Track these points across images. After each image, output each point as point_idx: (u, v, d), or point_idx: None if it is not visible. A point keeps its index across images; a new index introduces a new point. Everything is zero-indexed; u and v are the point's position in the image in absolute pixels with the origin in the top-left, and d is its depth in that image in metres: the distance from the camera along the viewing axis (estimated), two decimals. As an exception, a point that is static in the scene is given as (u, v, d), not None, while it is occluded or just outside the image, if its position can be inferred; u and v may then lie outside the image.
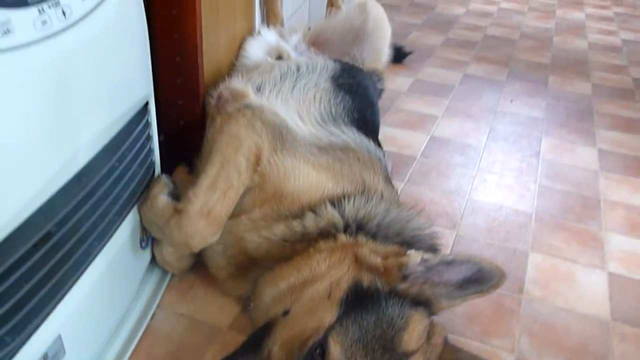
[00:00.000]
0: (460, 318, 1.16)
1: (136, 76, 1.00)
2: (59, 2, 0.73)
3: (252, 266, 1.07)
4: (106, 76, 0.88)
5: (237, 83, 1.32)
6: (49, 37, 0.71)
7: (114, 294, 1.02)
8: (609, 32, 3.33)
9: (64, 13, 0.74)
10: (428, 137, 1.90)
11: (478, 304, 1.20)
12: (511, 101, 2.24)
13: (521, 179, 1.70)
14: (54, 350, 0.82)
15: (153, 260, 1.17)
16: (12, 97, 0.66)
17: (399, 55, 2.54)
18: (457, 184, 1.65)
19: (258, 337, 0.89)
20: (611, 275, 1.33)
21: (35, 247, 0.75)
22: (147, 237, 1.10)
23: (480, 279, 0.92)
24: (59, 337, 0.83)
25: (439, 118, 2.05)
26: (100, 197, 0.90)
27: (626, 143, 1.98)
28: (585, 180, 1.73)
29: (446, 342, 0.94)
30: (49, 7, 0.71)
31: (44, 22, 0.70)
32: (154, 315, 1.12)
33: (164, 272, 1.20)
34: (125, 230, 1.02)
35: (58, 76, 0.74)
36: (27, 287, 0.74)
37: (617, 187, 1.70)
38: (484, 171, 1.73)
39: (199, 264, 1.19)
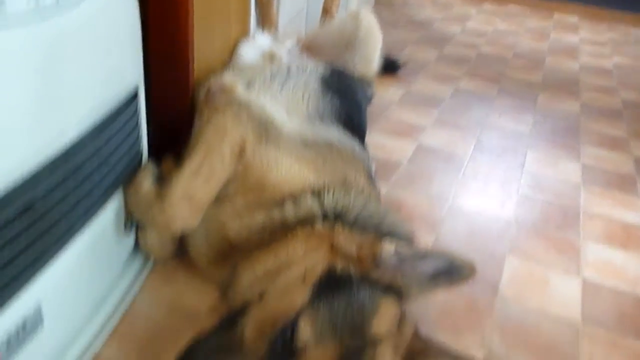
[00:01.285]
0: (432, 314, 1.19)
1: (127, 63, 1.04)
2: (53, -18, 0.77)
3: (232, 253, 1.10)
4: (97, 60, 0.91)
5: (226, 78, 1.36)
6: (42, 19, 0.75)
7: (96, 272, 1.04)
8: (602, 56, 3.39)
9: (57, -7, 0.78)
10: (415, 145, 1.94)
11: (451, 301, 1.23)
12: (499, 116, 2.28)
13: (504, 188, 1.74)
14: (33, 320, 0.85)
15: (137, 246, 1.20)
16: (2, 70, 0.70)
17: (392, 67, 2.59)
18: (440, 190, 1.68)
19: (233, 318, 0.92)
20: (585, 281, 1.36)
21: (20, 216, 0.78)
22: (132, 223, 1.13)
23: (450, 272, 0.96)
24: (39, 308, 0.86)
25: (428, 128, 2.09)
26: (85, 177, 0.94)
27: (610, 160, 2.02)
28: (567, 192, 1.76)
29: (416, 332, 0.97)
30: (43, -16, 0.75)
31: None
32: (135, 298, 1.15)
33: (148, 258, 1.23)
34: (110, 212, 1.05)
35: (48, 55, 0.77)
36: (8, 253, 0.77)
37: (598, 200, 1.74)
38: (467, 179, 1.77)
39: (182, 252, 1.21)
